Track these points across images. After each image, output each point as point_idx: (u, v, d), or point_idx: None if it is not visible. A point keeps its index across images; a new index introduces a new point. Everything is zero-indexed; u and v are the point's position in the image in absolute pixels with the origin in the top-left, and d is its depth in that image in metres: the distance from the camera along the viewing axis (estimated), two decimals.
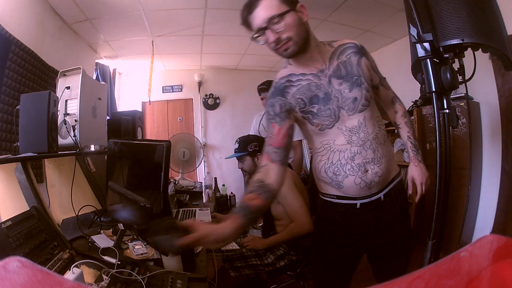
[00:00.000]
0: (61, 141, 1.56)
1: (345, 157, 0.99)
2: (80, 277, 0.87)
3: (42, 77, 2.29)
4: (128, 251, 1.23)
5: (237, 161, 1.92)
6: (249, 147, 1.81)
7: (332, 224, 1.11)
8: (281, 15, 0.87)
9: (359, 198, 1.03)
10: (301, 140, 2.78)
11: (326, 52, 1.01)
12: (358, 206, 1.04)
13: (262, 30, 0.89)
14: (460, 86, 0.75)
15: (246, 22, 0.93)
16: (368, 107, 0.99)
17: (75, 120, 1.60)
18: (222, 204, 2.70)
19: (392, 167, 1.04)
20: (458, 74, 0.72)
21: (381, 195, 1.03)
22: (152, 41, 3.36)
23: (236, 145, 1.88)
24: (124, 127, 2.35)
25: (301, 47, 0.93)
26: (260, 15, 0.88)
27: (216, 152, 4.88)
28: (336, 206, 1.07)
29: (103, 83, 2.25)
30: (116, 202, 1.35)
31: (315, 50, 0.98)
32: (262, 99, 2.67)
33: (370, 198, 1.02)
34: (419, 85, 1.07)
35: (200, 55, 4.19)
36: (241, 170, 1.93)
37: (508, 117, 2.23)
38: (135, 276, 0.94)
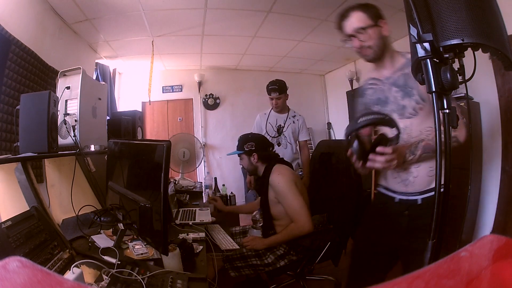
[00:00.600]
0: (61, 141, 1.55)
1: None
2: (80, 277, 0.87)
3: (42, 77, 2.29)
4: (128, 251, 1.23)
5: (238, 160, 1.96)
6: (245, 147, 1.84)
7: (374, 212, 1.30)
8: (365, 28, 1.10)
9: (398, 193, 1.16)
10: (306, 141, 2.78)
11: (398, 62, 1.16)
12: (396, 200, 1.16)
13: (350, 36, 1.13)
14: (460, 86, 0.75)
15: (339, 27, 1.16)
16: (416, 116, 1.11)
17: (75, 120, 1.60)
18: None
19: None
20: (458, 74, 0.72)
21: (418, 197, 1.10)
22: (152, 41, 3.37)
23: (237, 143, 1.91)
24: (124, 127, 2.35)
25: (377, 56, 1.14)
26: (349, 24, 1.12)
27: (216, 152, 4.88)
28: (381, 196, 1.23)
29: (103, 83, 2.25)
30: (116, 202, 1.35)
31: (388, 60, 1.17)
32: (271, 99, 2.67)
33: (407, 196, 1.13)
34: None
35: (200, 55, 4.19)
36: (242, 167, 1.97)
37: (508, 117, 2.23)
38: (135, 276, 0.94)
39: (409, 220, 1.12)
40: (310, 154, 2.65)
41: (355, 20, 1.11)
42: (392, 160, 0.98)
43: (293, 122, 2.73)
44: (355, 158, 1.01)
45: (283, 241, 1.69)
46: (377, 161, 0.97)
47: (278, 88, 2.61)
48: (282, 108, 2.72)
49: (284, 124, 2.71)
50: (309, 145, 4.37)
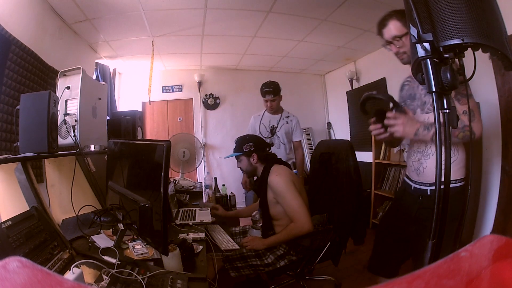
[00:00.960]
0: (61, 141, 1.55)
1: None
2: (80, 277, 0.87)
3: (42, 77, 2.29)
4: (128, 251, 1.23)
5: (236, 161, 1.95)
6: (244, 148, 1.83)
7: (396, 197, 1.45)
8: (400, 37, 1.23)
9: (413, 181, 1.28)
10: (300, 141, 2.78)
11: None
12: (412, 188, 1.28)
13: (388, 42, 1.28)
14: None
15: (380, 33, 1.31)
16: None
17: (75, 120, 1.60)
18: (222, 204, 2.70)
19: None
20: (458, 74, 0.72)
21: (428, 188, 1.20)
22: (152, 41, 3.36)
23: (234, 145, 1.90)
24: (124, 127, 2.35)
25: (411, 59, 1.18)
26: (387, 32, 1.27)
27: (216, 152, 4.88)
28: (403, 183, 1.36)
29: (103, 83, 2.24)
30: (116, 202, 1.35)
31: None
32: (266, 101, 2.67)
33: (420, 186, 1.23)
34: None
35: (200, 55, 4.19)
36: (240, 169, 1.96)
37: (508, 117, 2.23)
38: (135, 276, 0.94)
39: (418, 208, 1.21)
40: (310, 155, 2.65)
41: (392, 28, 1.25)
42: (395, 125, 1.10)
43: (287, 122, 2.73)
44: (378, 126, 1.18)
45: (283, 241, 1.68)
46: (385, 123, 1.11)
47: (272, 91, 2.61)
48: (276, 109, 2.72)
49: (277, 124, 2.71)
50: (309, 145, 4.35)
